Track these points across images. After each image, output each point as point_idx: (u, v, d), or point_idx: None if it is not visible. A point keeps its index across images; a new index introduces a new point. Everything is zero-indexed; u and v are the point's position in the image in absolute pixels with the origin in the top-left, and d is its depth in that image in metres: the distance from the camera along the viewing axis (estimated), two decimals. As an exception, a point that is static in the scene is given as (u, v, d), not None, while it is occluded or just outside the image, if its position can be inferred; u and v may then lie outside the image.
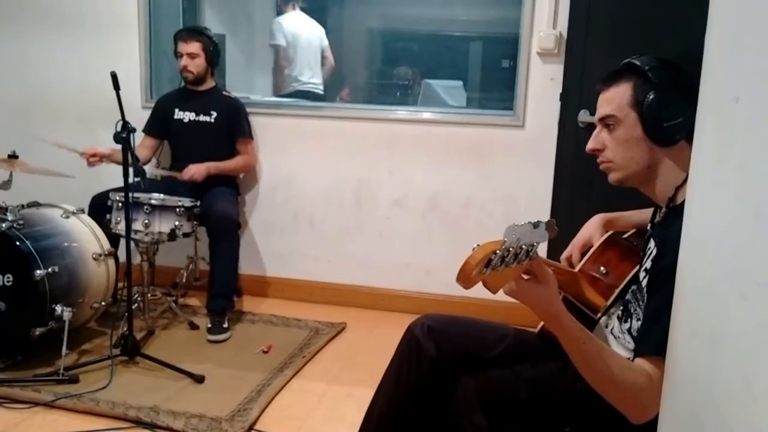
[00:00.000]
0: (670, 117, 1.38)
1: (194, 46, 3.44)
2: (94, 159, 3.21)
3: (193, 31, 3.49)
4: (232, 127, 3.54)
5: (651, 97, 1.39)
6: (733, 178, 0.65)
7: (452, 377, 1.56)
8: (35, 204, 3.01)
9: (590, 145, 1.50)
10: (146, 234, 3.03)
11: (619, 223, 1.77)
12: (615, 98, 1.45)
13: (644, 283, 1.43)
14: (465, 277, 1.19)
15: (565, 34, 3.17)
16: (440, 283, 3.54)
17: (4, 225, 2.67)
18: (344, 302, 3.69)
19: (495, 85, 4.14)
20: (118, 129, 2.66)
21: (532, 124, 3.35)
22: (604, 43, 3.06)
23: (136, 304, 3.09)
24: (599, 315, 1.53)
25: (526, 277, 1.28)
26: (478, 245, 1.20)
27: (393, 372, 1.69)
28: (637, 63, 1.43)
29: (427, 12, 4.70)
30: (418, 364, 1.62)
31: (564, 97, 3.16)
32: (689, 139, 1.38)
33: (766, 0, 0.60)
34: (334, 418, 2.51)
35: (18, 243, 2.66)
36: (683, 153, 1.39)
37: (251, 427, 2.39)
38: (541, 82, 3.28)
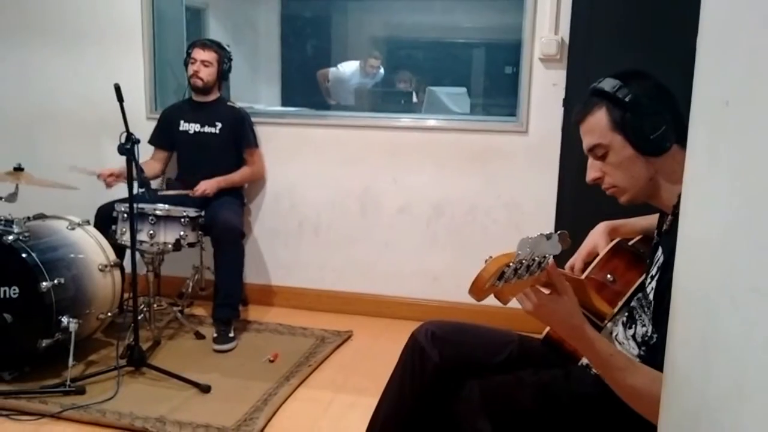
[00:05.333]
0: (653, 128, 1.38)
1: (210, 55, 3.47)
2: (112, 179, 3.22)
3: (213, 42, 3.54)
4: (238, 138, 3.56)
5: (628, 115, 1.39)
6: (723, 183, 0.65)
7: (456, 383, 1.56)
8: (41, 216, 3.03)
9: (590, 176, 1.49)
10: (151, 244, 3.04)
11: (624, 230, 1.76)
12: (595, 127, 1.45)
13: (649, 289, 1.43)
14: (478, 290, 1.19)
15: (567, 40, 3.18)
16: (446, 290, 3.54)
17: (10, 237, 2.68)
18: (350, 310, 3.69)
19: (498, 92, 4.15)
20: (123, 141, 2.67)
21: (535, 130, 3.35)
22: (606, 47, 3.06)
23: (142, 315, 3.10)
24: (606, 322, 1.52)
25: (546, 291, 1.28)
26: (491, 257, 1.20)
27: (397, 379, 1.69)
28: (602, 87, 1.43)
29: (429, 20, 4.71)
30: (422, 371, 1.63)
31: (567, 103, 3.16)
32: (679, 142, 1.39)
33: (754, 6, 0.60)
34: (341, 426, 2.51)
35: (24, 255, 2.68)
36: (677, 157, 1.39)
37: (257, 437, 2.39)
38: (544, 88, 3.28)
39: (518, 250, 1.17)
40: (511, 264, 1.17)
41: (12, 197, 2.85)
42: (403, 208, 3.60)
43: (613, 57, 3.01)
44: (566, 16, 3.16)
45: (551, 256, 1.24)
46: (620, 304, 1.53)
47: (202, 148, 3.53)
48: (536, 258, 1.20)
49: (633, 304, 1.50)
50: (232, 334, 3.20)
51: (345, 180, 3.65)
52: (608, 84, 1.42)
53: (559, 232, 1.22)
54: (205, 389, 2.70)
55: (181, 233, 3.07)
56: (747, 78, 0.60)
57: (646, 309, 1.43)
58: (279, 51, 5.35)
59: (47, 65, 3.92)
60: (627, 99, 1.39)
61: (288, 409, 2.62)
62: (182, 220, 3.07)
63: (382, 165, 3.59)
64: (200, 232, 3.23)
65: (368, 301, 3.68)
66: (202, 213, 3.21)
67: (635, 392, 1.27)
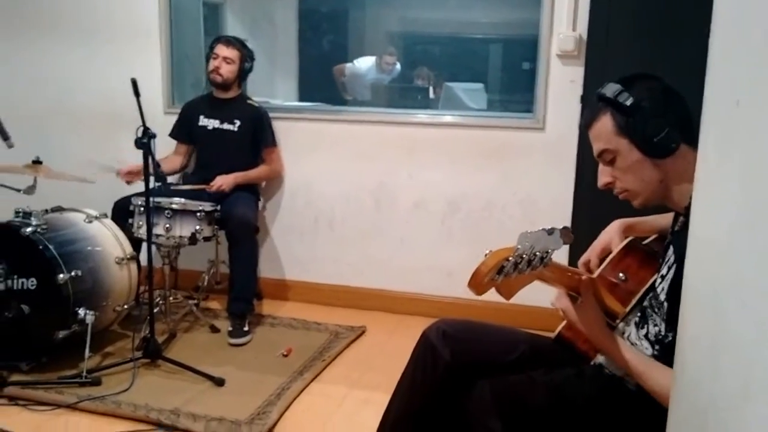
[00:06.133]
0: (656, 131, 1.39)
1: (233, 53, 3.48)
2: (129, 177, 3.21)
3: (237, 40, 3.55)
4: (257, 137, 3.57)
5: (630, 120, 1.41)
6: (733, 183, 0.64)
7: (467, 382, 1.56)
8: (59, 209, 3.06)
9: (602, 181, 1.51)
10: (167, 238, 3.06)
11: (639, 228, 1.75)
12: (601, 133, 1.46)
13: (660, 289, 1.42)
14: (477, 284, 1.19)
15: (585, 36, 3.15)
16: (461, 286, 3.49)
17: (28, 230, 2.72)
18: (364, 306, 3.69)
19: (515, 88, 4.13)
20: (140, 135, 2.69)
21: (552, 127, 3.33)
22: (625, 44, 3.03)
23: (158, 308, 3.12)
24: (618, 321, 1.51)
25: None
26: (490, 251, 1.20)
27: (408, 377, 1.69)
28: (605, 93, 1.44)
29: (446, 15, 4.69)
30: (434, 369, 1.63)
31: (585, 100, 3.13)
32: (686, 141, 1.39)
33: (765, 6, 0.59)
34: (354, 422, 2.52)
35: (41, 247, 2.71)
36: (688, 157, 1.39)
37: (270, 431, 2.40)
38: (561, 85, 3.26)
39: (518, 244, 1.17)
40: (510, 258, 1.16)
41: (30, 190, 2.88)
42: (418, 203, 3.60)
43: (633, 53, 2.98)
44: (584, 12, 3.13)
45: (553, 251, 1.24)
46: (632, 303, 1.52)
47: (220, 145, 3.54)
48: (537, 253, 1.20)
49: (645, 303, 1.49)
50: (246, 328, 3.21)
51: (360, 175, 3.65)
52: (610, 89, 1.43)
53: (561, 227, 1.22)
54: (219, 382, 2.71)
55: (197, 227, 3.09)
56: (758, 78, 0.60)
57: (656, 309, 1.42)
58: (296, 46, 5.36)
59: (65, 60, 3.95)
60: (628, 103, 1.40)
61: (301, 403, 2.63)
62: (198, 214, 3.09)
63: (398, 161, 3.59)
64: (216, 227, 3.24)
65: (382, 297, 3.68)
66: (218, 207, 3.22)
67: (658, 395, 1.31)
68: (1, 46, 4.04)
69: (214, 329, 3.28)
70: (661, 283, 1.42)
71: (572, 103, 3.21)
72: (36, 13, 3.97)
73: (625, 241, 1.69)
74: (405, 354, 1.73)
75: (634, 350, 1.40)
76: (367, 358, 3.09)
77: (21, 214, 2.82)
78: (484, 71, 4.57)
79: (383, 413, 1.74)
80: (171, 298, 3.29)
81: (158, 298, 3.15)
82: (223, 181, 3.35)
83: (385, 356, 3.10)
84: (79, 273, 2.76)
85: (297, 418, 2.52)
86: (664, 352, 1.37)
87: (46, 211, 2.99)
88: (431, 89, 4.61)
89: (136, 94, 2.64)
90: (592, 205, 3.13)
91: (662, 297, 1.41)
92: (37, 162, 2.90)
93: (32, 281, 2.71)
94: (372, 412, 2.47)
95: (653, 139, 1.39)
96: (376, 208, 3.66)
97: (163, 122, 3.59)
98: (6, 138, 2.75)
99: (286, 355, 3.02)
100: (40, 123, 4.00)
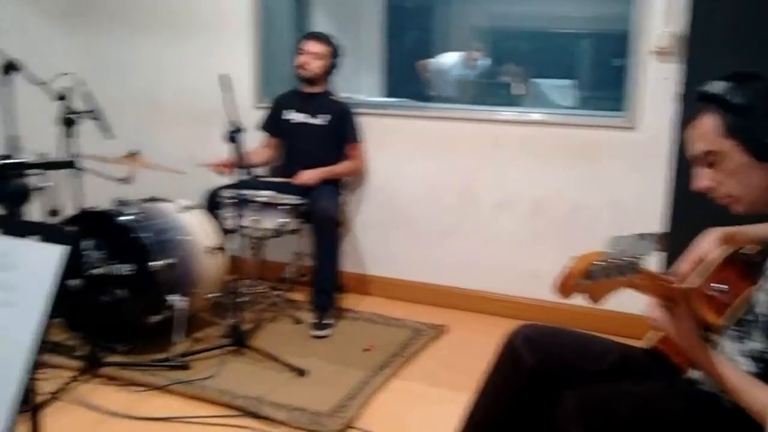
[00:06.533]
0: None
1: (322, 48, 3.54)
2: (218, 170, 3.29)
3: (326, 35, 3.61)
4: (341, 132, 3.61)
5: (741, 120, 1.32)
6: None
7: (551, 390, 1.53)
8: (153, 199, 3.19)
9: (701, 185, 1.41)
10: (255, 230, 3.14)
11: (738, 238, 1.66)
12: (705, 133, 1.37)
13: (759, 302, 1.35)
14: (564, 288, 1.17)
15: (680, 31, 3.02)
16: (546, 288, 3.44)
17: (126, 218, 2.85)
18: (445, 304, 3.67)
19: (605, 85, 4.02)
20: (229, 129, 2.78)
21: (644, 126, 3.21)
22: (725, 41, 2.88)
23: (244, 297, 3.21)
24: (714, 334, 1.45)
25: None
26: (582, 255, 1.18)
27: (490, 382, 1.68)
28: (712, 91, 1.35)
29: (535, 9, 4.61)
30: (516, 375, 1.60)
31: (683, 98, 3.01)
32: None
33: None
34: (432, 420, 2.52)
35: (139, 235, 2.83)
36: None
37: (350, 424, 2.43)
38: (654, 83, 3.14)
39: (608, 249, 1.14)
40: (599, 263, 1.14)
41: (128, 180, 3.01)
42: (502, 203, 3.55)
43: (737, 50, 2.83)
44: (679, 7, 2.99)
45: (645, 258, 1.20)
46: (730, 316, 1.45)
47: (305, 139, 3.60)
48: (628, 258, 1.16)
49: (745, 317, 1.43)
50: (328, 321, 3.27)
51: (443, 173, 3.63)
52: (717, 87, 1.35)
53: (655, 232, 1.19)
54: (302, 373, 2.77)
55: (283, 220, 3.15)
56: None
57: (753, 323, 1.36)
58: (382, 41, 5.38)
59: (157, 54, 4.10)
60: (740, 102, 1.32)
61: (380, 399, 2.66)
62: (284, 207, 3.15)
63: (482, 159, 3.55)
64: (301, 220, 3.30)
65: (464, 296, 3.66)
66: (304, 201, 3.28)
67: (757, 414, 1.26)
68: (94, 40, 4.23)
69: (298, 320, 3.35)
70: (761, 296, 1.35)
71: (665, 101, 3.08)
72: (128, 7, 4.13)
73: (724, 250, 1.62)
74: (486, 354, 1.72)
75: (731, 365, 1.34)
76: (448, 357, 3.08)
77: (119, 203, 2.95)
78: (573, 67, 4.47)
79: (465, 417, 1.73)
80: (257, 289, 3.38)
81: (245, 288, 3.23)
82: (308, 177, 3.40)
83: (466, 356, 3.08)
84: (172, 261, 2.87)
85: (376, 413, 2.54)
86: (767, 369, 1.31)
87: (142, 200, 3.12)
88: (518, 85, 4.53)
89: (228, 89, 2.71)
90: (687, 211, 3.00)
91: (761, 310, 1.34)
92: (133, 153, 3.03)
93: (129, 267, 2.84)
94: (451, 411, 2.44)
95: (764, 142, 1.31)
96: (458, 206, 3.64)
97: (252, 117, 3.68)
98: (106, 130, 2.88)
99: (367, 350, 3.05)
100: (133, 116, 4.15)
